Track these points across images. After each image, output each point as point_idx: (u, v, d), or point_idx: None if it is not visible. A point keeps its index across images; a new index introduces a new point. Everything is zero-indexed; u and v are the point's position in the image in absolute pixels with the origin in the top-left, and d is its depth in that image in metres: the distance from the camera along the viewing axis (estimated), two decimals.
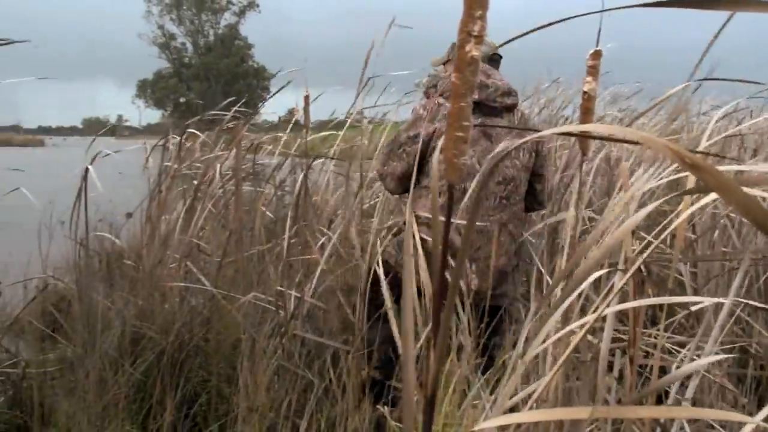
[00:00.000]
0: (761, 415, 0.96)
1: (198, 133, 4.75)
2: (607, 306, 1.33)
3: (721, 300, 1.59)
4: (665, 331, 2.50)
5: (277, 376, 2.97)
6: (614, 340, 1.75)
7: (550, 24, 0.95)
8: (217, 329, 3.30)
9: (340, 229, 3.79)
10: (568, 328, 1.32)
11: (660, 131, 5.18)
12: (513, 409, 1.42)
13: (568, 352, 1.19)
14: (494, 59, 3.31)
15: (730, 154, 4.14)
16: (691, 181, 1.87)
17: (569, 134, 3.52)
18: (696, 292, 3.01)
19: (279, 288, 3.38)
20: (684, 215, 1.47)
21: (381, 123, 7.11)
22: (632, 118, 5.86)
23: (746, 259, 1.77)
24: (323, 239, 3.95)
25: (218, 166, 4.23)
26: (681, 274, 3.05)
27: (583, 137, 1.75)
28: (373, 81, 4.59)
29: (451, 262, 1.91)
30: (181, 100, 63.93)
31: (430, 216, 3.11)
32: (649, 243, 1.77)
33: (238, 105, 4.56)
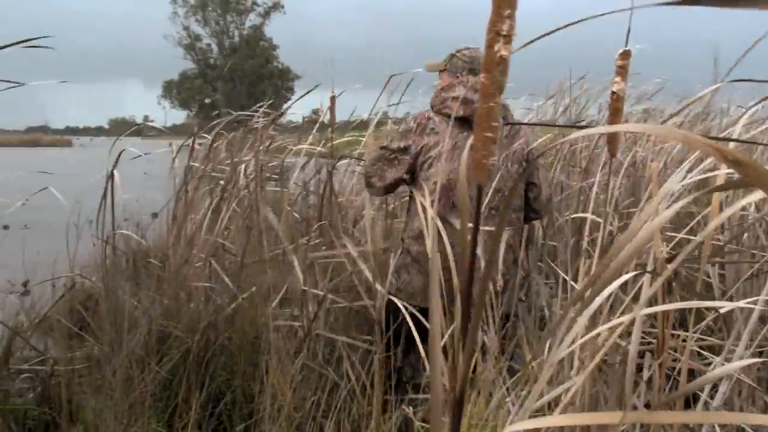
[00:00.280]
0: None
1: (224, 133, 4.78)
2: (636, 309, 1.32)
3: (751, 305, 1.57)
4: (694, 333, 2.47)
5: (301, 376, 2.98)
6: (642, 342, 1.73)
7: (577, 21, 0.94)
8: (242, 328, 3.32)
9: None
10: (595, 331, 1.31)
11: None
12: (539, 412, 1.41)
13: (598, 357, 1.18)
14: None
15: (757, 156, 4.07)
16: (720, 179, 1.85)
17: (604, 132, 3.51)
18: (724, 295, 2.97)
19: (303, 288, 3.39)
20: (724, 215, 1.44)
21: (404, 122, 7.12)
22: (659, 118, 5.81)
23: None
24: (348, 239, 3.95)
25: (243, 166, 4.26)
26: (709, 276, 3.01)
27: (609, 138, 1.73)
28: (399, 79, 4.59)
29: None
30: (206, 100, 64.34)
31: (421, 231, 3.11)
32: (679, 245, 1.75)
33: (264, 106, 4.58)
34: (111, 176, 3.51)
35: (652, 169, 1.78)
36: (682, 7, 0.81)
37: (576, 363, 1.79)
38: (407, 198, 3.65)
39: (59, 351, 3.48)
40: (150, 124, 4.74)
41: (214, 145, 4.53)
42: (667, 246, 2.01)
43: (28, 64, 3.45)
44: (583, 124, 5.58)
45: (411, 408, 2.66)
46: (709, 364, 2.20)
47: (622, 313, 1.81)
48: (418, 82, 4.86)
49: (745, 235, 3.14)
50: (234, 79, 64.18)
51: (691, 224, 2.20)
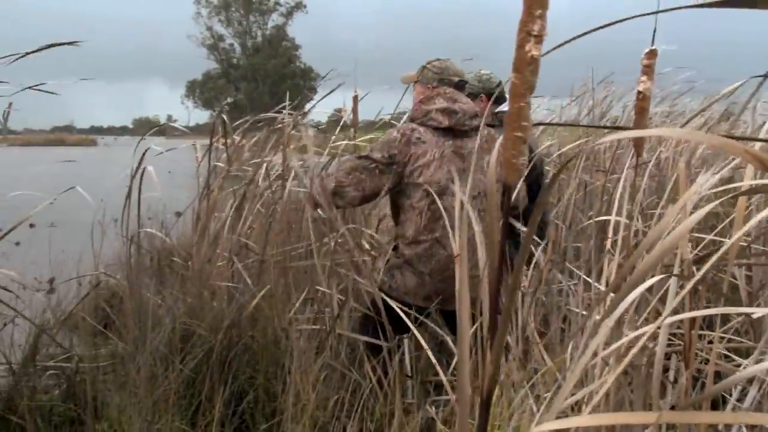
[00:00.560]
0: None
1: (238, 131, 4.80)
2: (663, 315, 1.30)
3: None
4: (722, 335, 2.44)
5: (323, 376, 2.99)
6: (668, 343, 1.71)
7: (607, 25, 0.94)
8: (265, 328, 3.33)
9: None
10: (626, 339, 1.30)
11: (710, 131, 5.06)
12: (562, 414, 1.40)
13: (627, 360, 1.17)
14: (459, 85, 3.49)
15: None
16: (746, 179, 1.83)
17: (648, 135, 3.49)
18: (751, 296, 2.93)
19: (323, 290, 3.40)
20: (755, 220, 1.42)
21: None
22: (682, 119, 5.75)
23: None
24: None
25: (265, 166, 4.27)
26: (735, 278, 2.98)
27: (636, 138, 1.72)
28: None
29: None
30: (229, 100, 64.71)
31: (414, 235, 3.22)
32: (706, 247, 1.73)
33: (287, 105, 4.59)
34: (135, 175, 3.54)
35: (679, 169, 1.76)
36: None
37: (599, 364, 1.78)
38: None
39: (84, 348, 3.52)
40: (173, 123, 4.76)
41: (238, 144, 4.55)
42: (694, 248, 1.99)
43: (54, 65, 3.50)
44: (607, 124, 5.54)
45: (433, 408, 2.66)
46: (738, 366, 2.17)
47: (649, 315, 1.80)
48: None
49: None
50: (257, 79, 64.49)
51: (719, 227, 2.18)
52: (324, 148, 5.12)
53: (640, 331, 1.35)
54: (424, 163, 3.24)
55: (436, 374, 3.10)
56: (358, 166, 3.27)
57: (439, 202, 3.10)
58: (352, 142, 4.59)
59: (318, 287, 3.44)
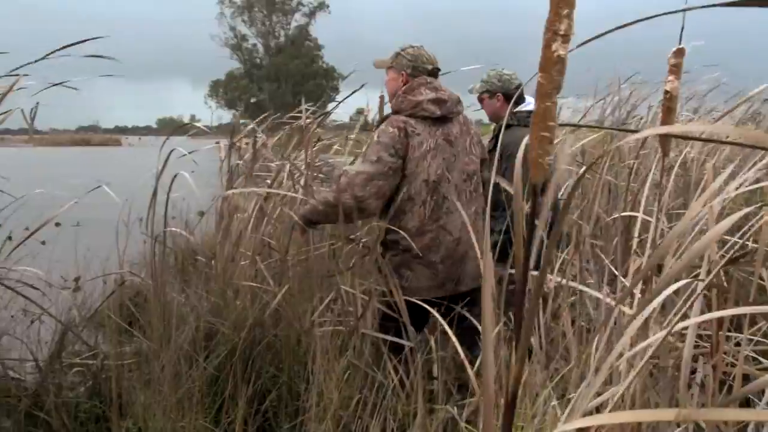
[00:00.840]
0: None
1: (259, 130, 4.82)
2: (689, 312, 1.29)
3: None
4: (750, 337, 2.41)
5: (347, 375, 2.99)
6: (695, 345, 1.69)
7: (635, 22, 0.93)
8: (288, 326, 3.34)
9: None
10: (652, 338, 1.29)
11: None
12: (586, 414, 1.39)
13: (646, 357, 1.16)
14: (433, 72, 3.51)
15: None
16: None
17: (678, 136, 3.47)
18: None
19: (347, 289, 3.40)
20: None
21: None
22: (710, 117, 5.69)
23: None
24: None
25: (288, 165, 4.28)
26: (762, 279, 2.94)
27: (662, 137, 1.70)
28: (446, 79, 4.58)
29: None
30: (252, 100, 65.03)
31: (419, 226, 3.27)
32: (731, 250, 1.71)
33: (309, 105, 4.60)
34: (160, 176, 3.57)
35: (708, 170, 1.74)
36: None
37: (623, 365, 1.77)
38: None
39: (109, 346, 3.55)
40: (197, 123, 4.79)
41: (261, 144, 4.57)
42: (720, 249, 1.97)
43: (79, 65, 3.53)
44: (632, 124, 5.49)
45: (455, 408, 2.65)
46: (766, 369, 2.15)
47: (674, 317, 1.78)
48: (465, 80, 4.84)
49: None
50: (279, 79, 64.77)
51: (744, 228, 2.15)
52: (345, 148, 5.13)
53: (666, 331, 1.33)
54: (421, 154, 3.29)
55: (458, 373, 3.11)
56: (373, 175, 3.25)
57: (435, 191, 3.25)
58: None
59: (342, 287, 3.44)
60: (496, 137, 3.98)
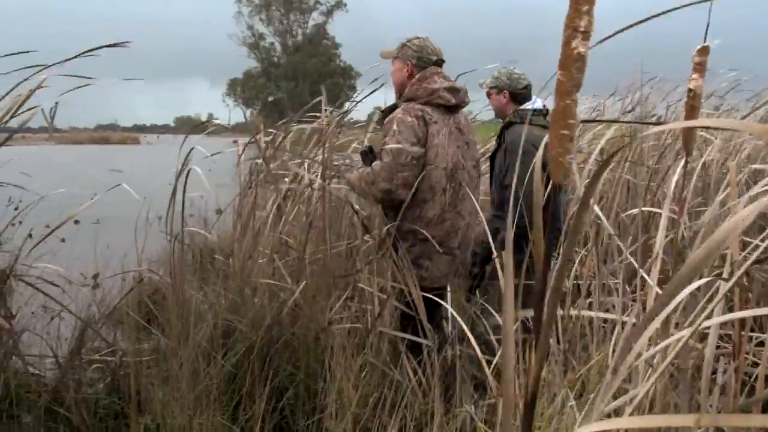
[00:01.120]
0: None
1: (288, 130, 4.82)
2: (712, 313, 1.27)
3: None
4: None
5: (364, 373, 2.99)
6: (716, 345, 1.67)
7: (654, 16, 0.92)
8: (306, 325, 3.34)
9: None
10: (673, 338, 1.27)
11: None
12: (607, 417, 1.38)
13: (668, 359, 1.14)
14: (438, 63, 3.58)
15: None
16: None
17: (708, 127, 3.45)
18: None
19: (364, 287, 3.40)
20: None
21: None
22: (732, 115, 5.63)
23: None
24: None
25: (306, 164, 4.29)
26: None
27: (685, 136, 1.68)
28: (465, 78, 4.57)
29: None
30: (270, 98, 65.15)
31: (439, 214, 3.32)
32: (755, 247, 1.69)
33: (327, 104, 4.60)
34: (180, 175, 3.58)
35: (731, 169, 1.72)
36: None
37: (641, 366, 1.75)
38: None
39: (128, 343, 3.57)
40: (216, 121, 4.81)
41: (278, 142, 4.58)
42: (743, 250, 1.94)
43: (98, 65, 3.56)
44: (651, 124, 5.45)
45: (473, 407, 2.65)
46: None
47: (695, 317, 1.76)
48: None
49: None
50: (297, 78, 64.81)
51: None
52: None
53: (687, 331, 1.32)
54: (440, 142, 3.36)
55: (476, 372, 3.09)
56: (399, 167, 3.28)
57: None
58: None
59: (360, 285, 3.44)
60: (500, 135, 4.03)
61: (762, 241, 1.57)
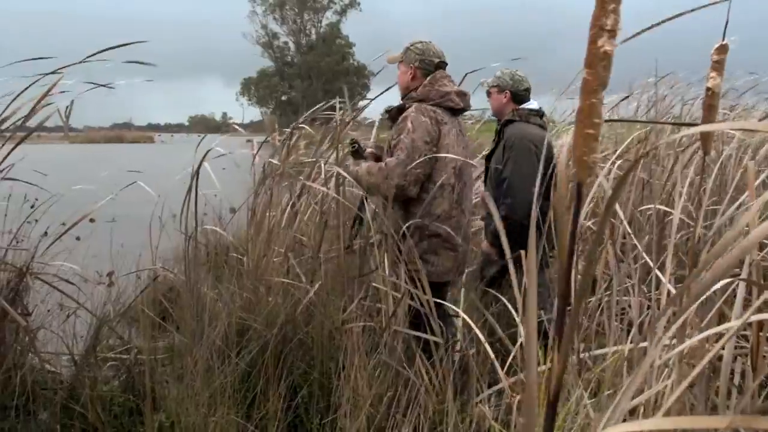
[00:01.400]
0: None
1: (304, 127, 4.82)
2: (727, 314, 1.27)
3: None
4: None
5: (377, 372, 2.99)
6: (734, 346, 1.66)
7: (678, 15, 0.91)
8: (320, 323, 3.35)
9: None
10: (694, 339, 1.26)
11: None
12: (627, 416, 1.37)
13: (704, 361, 1.13)
14: (440, 65, 3.71)
15: None
16: None
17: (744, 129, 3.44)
18: None
19: (379, 286, 3.40)
20: None
21: (480, 119, 7.09)
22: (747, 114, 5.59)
23: None
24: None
25: (321, 162, 4.29)
26: None
27: (704, 135, 1.67)
28: (477, 75, 4.59)
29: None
30: (283, 98, 65.24)
31: (447, 210, 3.45)
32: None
33: (339, 103, 4.60)
34: (195, 174, 3.60)
35: (749, 168, 1.70)
36: None
37: (657, 367, 1.74)
38: None
39: (143, 340, 3.59)
40: (230, 121, 4.83)
41: (292, 141, 4.58)
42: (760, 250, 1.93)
43: (112, 65, 3.59)
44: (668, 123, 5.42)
45: (487, 407, 2.64)
46: None
47: (711, 319, 1.75)
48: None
49: None
50: (310, 77, 64.88)
51: None
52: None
53: (708, 332, 1.31)
54: (449, 142, 3.51)
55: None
56: (411, 163, 3.40)
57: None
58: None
59: (374, 284, 3.45)
60: (499, 133, 4.20)
61: None
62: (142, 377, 3.31)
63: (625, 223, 2.98)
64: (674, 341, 1.55)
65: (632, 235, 3.20)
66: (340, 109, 4.48)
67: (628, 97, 6.04)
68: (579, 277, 2.19)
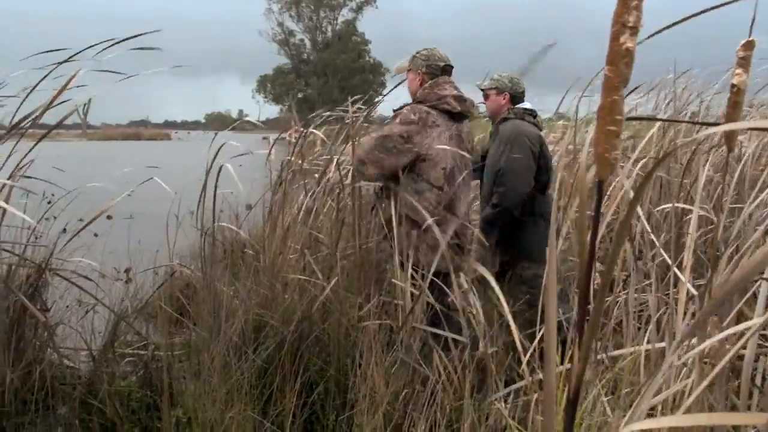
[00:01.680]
0: None
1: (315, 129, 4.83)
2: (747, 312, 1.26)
3: None
4: None
5: (394, 369, 2.99)
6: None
7: (703, 12, 0.90)
8: (337, 320, 3.35)
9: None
10: (715, 338, 1.25)
11: None
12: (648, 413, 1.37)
13: (724, 361, 1.13)
14: (446, 69, 3.89)
15: None
16: None
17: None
18: None
19: (397, 282, 3.40)
20: None
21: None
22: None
23: None
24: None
25: (336, 159, 4.30)
26: None
27: (728, 132, 1.65)
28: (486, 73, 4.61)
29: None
30: (299, 95, 65.27)
31: (432, 209, 3.50)
32: None
33: (355, 100, 4.61)
34: (211, 170, 3.61)
35: None
36: None
37: (675, 366, 1.73)
38: None
39: (160, 336, 3.61)
40: (247, 119, 4.84)
41: (309, 139, 4.59)
42: None
43: (131, 62, 3.62)
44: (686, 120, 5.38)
45: (504, 404, 2.63)
46: None
47: (731, 318, 1.74)
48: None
49: None
50: (326, 74, 64.89)
51: None
52: None
53: (728, 331, 1.30)
54: (440, 143, 3.64)
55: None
56: (377, 146, 3.62)
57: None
58: None
59: (393, 280, 3.45)
60: (495, 130, 4.37)
61: None
62: (159, 373, 3.33)
63: (643, 219, 2.96)
64: (694, 341, 1.54)
65: (651, 233, 3.17)
66: (353, 104, 4.49)
67: (650, 91, 6.02)
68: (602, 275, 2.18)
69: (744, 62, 1.42)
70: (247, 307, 3.43)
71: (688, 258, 1.99)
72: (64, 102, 3.40)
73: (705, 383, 1.22)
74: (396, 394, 2.88)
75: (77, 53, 3.37)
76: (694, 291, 2.12)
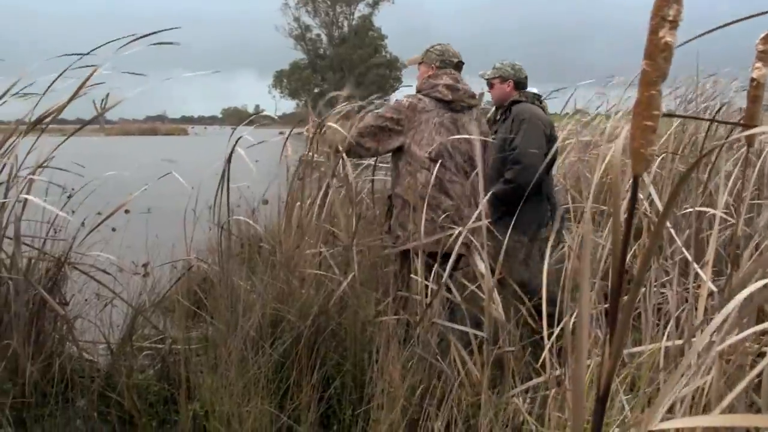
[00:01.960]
0: None
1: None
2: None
3: None
4: None
5: (411, 364, 2.99)
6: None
7: (743, 19, 0.89)
8: (354, 314, 3.36)
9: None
10: (736, 338, 1.24)
11: None
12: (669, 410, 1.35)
13: (746, 359, 1.11)
14: (459, 65, 4.07)
15: None
16: None
17: None
18: None
19: (415, 278, 3.39)
20: None
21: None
22: None
23: None
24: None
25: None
26: None
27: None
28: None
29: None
30: (316, 90, 65.23)
31: (422, 191, 3.62)
32: None
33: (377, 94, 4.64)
34: (228, 164, 3.62)
35: None
36: None
37: (693, 363, 1.72)
38: None
39: (178, 330, 3.63)
40: (264, 113, 4.85)
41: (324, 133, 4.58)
42: None
43: (148, 58, 3.64)
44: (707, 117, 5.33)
45: (521, 401, 2.63)
46: None
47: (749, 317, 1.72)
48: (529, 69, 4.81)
49: None
50: (342, 69, 64.84)
51: None
52: None
53: (749, 331, 1.29)
54: (428, 127, 3.81)
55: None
56: (374, 124, 3.82)
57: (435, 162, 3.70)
58: None
59: (412, 275, 3.44)
60: (504, 112, 4.52)
61: None
62: (177, 366, 3.35)
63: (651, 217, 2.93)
64: (713, 338, 1.52)
65: (671, 229, 3.15)
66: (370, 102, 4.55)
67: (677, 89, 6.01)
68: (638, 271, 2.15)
69: (764, 56, 1.40)
70: (264, 301, 3.44)
71: (710, 255, 1.97)
72: (85, 95, 3.43)
73: (710, 382, 1.20)
74: (413, 388, 2.88)
75: (97, 48, 3.39)
76: (714, 288, 2.10)
